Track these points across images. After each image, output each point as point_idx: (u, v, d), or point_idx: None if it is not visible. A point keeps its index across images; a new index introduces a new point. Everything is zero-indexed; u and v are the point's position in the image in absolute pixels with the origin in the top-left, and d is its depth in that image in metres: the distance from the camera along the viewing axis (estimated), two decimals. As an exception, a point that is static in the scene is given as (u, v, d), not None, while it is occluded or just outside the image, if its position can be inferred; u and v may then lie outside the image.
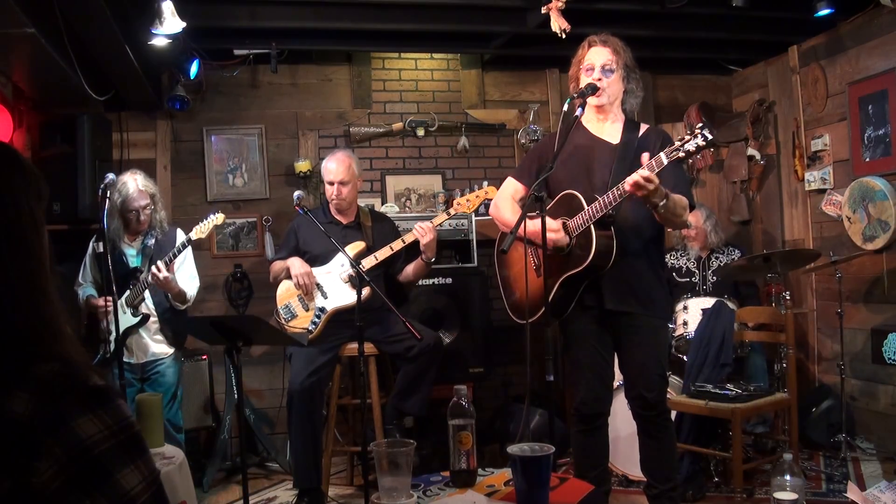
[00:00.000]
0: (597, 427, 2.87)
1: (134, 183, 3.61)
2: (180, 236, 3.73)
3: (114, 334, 3.36)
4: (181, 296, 3.68)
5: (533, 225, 2.67)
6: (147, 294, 3.63)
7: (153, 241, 3.69)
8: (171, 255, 3.56)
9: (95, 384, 0.93)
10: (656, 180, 2.43)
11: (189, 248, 3.67)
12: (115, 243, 3.59)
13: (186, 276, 3.74)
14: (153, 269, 3.49)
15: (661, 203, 2.50)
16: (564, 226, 2.71)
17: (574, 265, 2.68)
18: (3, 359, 0.92)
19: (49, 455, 0.87)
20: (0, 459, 0.86)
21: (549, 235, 2.58)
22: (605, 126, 2.84)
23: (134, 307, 3.60)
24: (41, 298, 0.98)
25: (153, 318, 3.65)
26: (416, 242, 3.70)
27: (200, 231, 3.63)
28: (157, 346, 3.67)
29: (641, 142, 2.77)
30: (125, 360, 3.56)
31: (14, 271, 0.96)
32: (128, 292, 3.60)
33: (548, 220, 2.60)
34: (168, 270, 3.51)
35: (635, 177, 2.42)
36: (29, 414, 0.87)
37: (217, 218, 3.68)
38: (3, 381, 0.89)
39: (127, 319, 3.57)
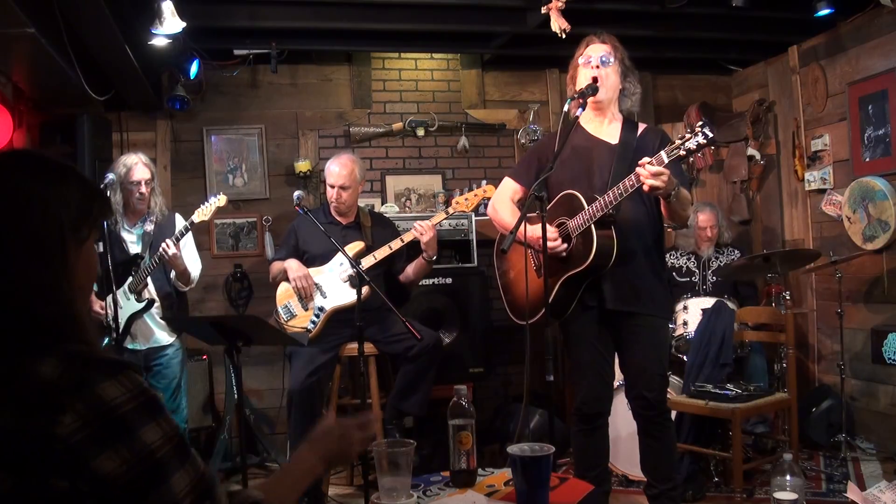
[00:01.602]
0: (597, 427, 2.87)
1: (136, 157, 3.66)
2: (179, 221, 3.77)
3: (114, 323, 3.38)
4: (185, 275, 3.71)
5: (532, 230, 2.68)
6: (149, 280, 3.64)
7: (152, 226, 3.71)
8: (176, 235, 3.61)
9: (116, 358, 1.05)
10: (667, 172, 2.43)
11: (189, 233, 3.71)
12: (114, 229, 3.61)
13: (190, 258, 3.77)
14: (163, 245, 3.53)
15: (674, 193, 2.51)
16: (564, 226, 2.71)
17: (575, 265, 2.68)
18: (33, 335, 1.03)
19: (73, 411, 0.97)
20: (25, 411, 0.97)
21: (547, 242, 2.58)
22: (604, 126, 2.84)
23: (137, 293, 3.62)
24: (63, 299, 1.08)
25: (156, 304, 3.67)
26: (416, 241, 3.70)
27: (203, 213, 3.67)
28: (160, 333, 3.68)
29: (640, 141, 2.77)
30: (129, 346, 3.60)
31: (34, 272, 1.06)
32: (130, 279, 3.61)
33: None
34: (175, 248, 3.57)
35: (643, 171, 2.42)
36: (56, 377, 0.99)
37: (219, 200, 3.72)
38: (34, 350, 1.01)
39: (131, 305, 3.58)
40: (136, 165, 3.63)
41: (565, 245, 2.70)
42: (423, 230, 3.66)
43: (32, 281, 1.06)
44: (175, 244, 3.56)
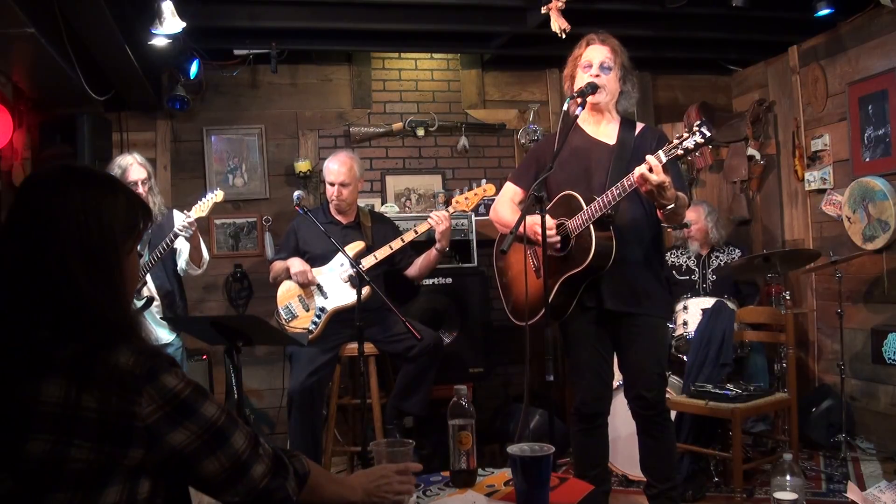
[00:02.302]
0: (597, 426, 2.87)
1: (131, 157, 3.66)
2: (178, 217, 3.77)
3: None
4: (199, 252, 3.73)
5: (529, 220, 2.68)
6: (148, 277, 3.64)
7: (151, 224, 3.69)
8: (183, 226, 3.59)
9: (169, 354, 1.23)
10: (663, 176, 2.42)
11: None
12: None
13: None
14: (183, 222, 3.50)
15: (670, 207, 2.51)
16: (563, 226, 2.71)
17: (574, 266, 2.68)
18: (106, 332, 1.18)
19: (147, 396, 1.15)
20: (112, 394, 1.13)
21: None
22: (602, 127, 2.84)
23: (136, 291, 3.61)
24: (122, 301, 1.24)
25: (156, 302, 3.66)
26: (421, 240, 3.70)
27: (200, 209, 3.65)
28: (159, 331, 3.68)
29: (638, 141, 2.77)
30: None
31: (96, 277, 1.19)
32: None
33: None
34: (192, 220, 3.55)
35: (642, 168, 2.42)
36: (131, 365, 1.15)
37: (217, 195, 3.69)
38: (112, 342, 1.17)
39: (134, 302, 3.58)
40: (132, 166, 3.62)
41: (559, 237, 2.70)
42: (439, 219, 3.66)
43: (96, 286, 1.19)
44: (189, 218, 3.54)
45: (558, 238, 2.70)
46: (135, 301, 3.60)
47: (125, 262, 1.25)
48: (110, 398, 1.13)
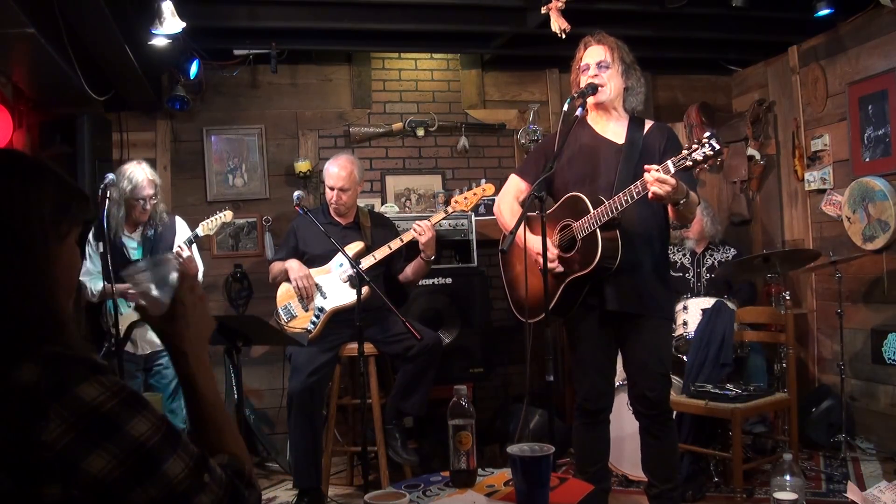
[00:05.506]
0: (599, 422, 2.89)
1: (143, 172, 3.66)
2: (180, 224, 3.81)
3: (117, 326, 3.41)
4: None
5: (532, 242, 2.72)
6: None
7: (153, 231, 3.72)
8: (187, 240, 3.69)
9: (96, 360, 1.03)
10: (672, 181, 2.43)
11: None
12: (115, 235, 3.61)
13: (197, 262, 3.83)
14: (177, 249, 3.58)
15: (683, 201, 2.52)
16: (569, 228, 2.72)
17: (579, 268, 2.68)
18: (13, 339, 1.01)
19: (56, 416, 0.95)
20: (9, 420, 0.94)
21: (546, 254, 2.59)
22: (610, 125, 2.84)
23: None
24: (44, 297, 1.07)
25: None
26: (416, 241, 3.70)
27: (208, 227, 3.69)
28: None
29: (647, 140, 2.77)
30: (130, 351, 3.63)
31: (14, 270, 1.04)
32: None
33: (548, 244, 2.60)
34: (189, 251, 3.66)
35: (654, 188, 2.43)
36: (35, 381, 0.96)
37: (225, 215, 3.75)
38: (13, 355, 0.99)
39: (132, 313, 3.58)
40: (143, 182, 3.63)
41: (561, 268, 2.72)
42: (421, 230, 3.66)
43: (12, 279, 1.04)
44: (188, 247, 3.62)
45: (560, 269, 2.72)
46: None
47: (54, 250, 1.10)
48: (12, 427, 0.94)
